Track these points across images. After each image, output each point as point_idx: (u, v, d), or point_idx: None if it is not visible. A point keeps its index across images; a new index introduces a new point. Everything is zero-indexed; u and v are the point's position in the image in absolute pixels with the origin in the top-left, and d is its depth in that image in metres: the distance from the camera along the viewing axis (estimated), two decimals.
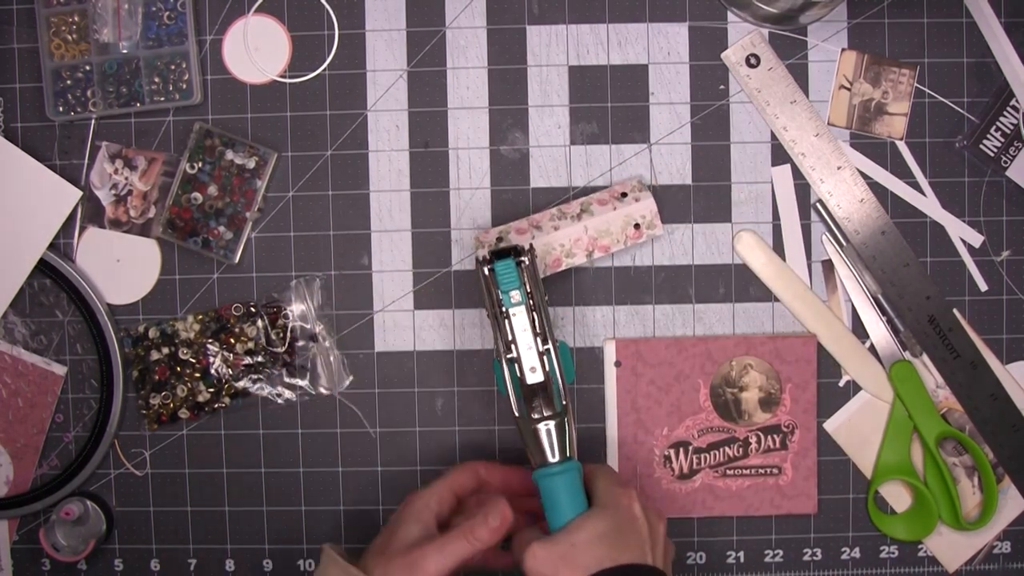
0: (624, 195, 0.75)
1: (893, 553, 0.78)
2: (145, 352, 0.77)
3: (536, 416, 0.67)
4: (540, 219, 0.74)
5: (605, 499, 0.65)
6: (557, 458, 0.67)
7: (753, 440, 0.77)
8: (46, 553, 0.76)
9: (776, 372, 0.77)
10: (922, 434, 0.77)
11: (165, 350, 0.77)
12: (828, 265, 0.78)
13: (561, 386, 0.68)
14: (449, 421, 0.78)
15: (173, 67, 0.76)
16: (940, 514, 0.77)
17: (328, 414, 0.78)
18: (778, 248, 0.78)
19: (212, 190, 0.77)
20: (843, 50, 0.77)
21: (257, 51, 0.77)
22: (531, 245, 0.71)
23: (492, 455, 0.78)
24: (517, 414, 0.68)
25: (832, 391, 0.78)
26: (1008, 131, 0.77)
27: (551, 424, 0.67)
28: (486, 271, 0.70)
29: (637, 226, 0.74)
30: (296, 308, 0.77)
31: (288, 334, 0.77)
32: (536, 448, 0.67)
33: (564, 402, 0.68)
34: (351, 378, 0.77)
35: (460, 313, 0.78)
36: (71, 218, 0.77)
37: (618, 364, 0.77)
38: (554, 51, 0.77)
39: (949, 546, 0.78)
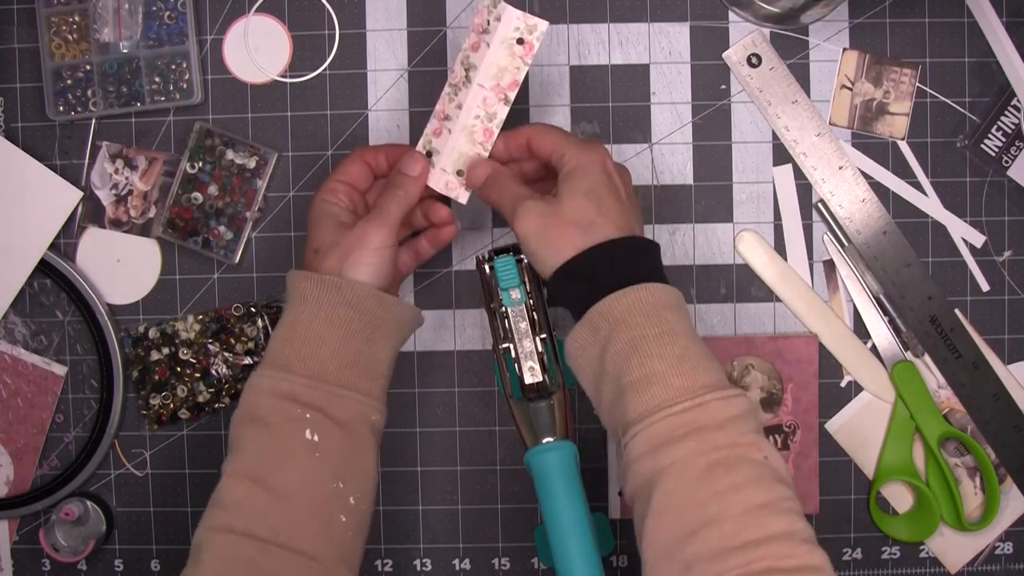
0: (487, 25, 0.66)
1: (895, 554, 0.78)
2: (145, 352, 0.77)
3: (530, 396, 0.68)
4: (442, 108, 0.68)
5: (579, 159, 0.63)
6: (551, 438, 0.67)
7: None
8: (46, 553, 0.76)
9: (777, 372, 0.77)
10: (924, 434, 0.76)
11: (165, 350, 0.77)
12: (830, 265, 0.78)
13: (558, 372, 0.69)
14: (449, 421, 0.78)
15: (174, 67, 0.76)
16: (942, 515, 0.77)
17: None
18: (780, 248, 0.78)
19: (212, 190, 0.77)
20: (845, 50, 0.77)
21: (257, 51, 0.77)
22: None
23: (492, 455, 0.78)
24: (511, 396, 0.68)
25: (834, 391, 0.78)
26: (1009, 131, 0.76)
27: (543, 404, 0.67)
28: (486, 269, 0.70)
29: (521, 41, 0.65)
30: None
31: None
32: (528, 428, 0.67)
33: (560, 383, 0.68)
34: None
35: (460, 313, 0.78)
36: (71, 218, 0.77)
37: None
38: (555, 51, 0.77)
39: (951, 547, 0.78)
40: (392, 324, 0.64)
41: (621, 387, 0.58)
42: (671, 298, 0.60)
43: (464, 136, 0.67)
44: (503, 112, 0.66)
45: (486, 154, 0.67)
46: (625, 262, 0.60)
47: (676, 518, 0.54)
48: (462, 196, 0.68)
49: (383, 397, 0.65)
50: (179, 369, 0.77)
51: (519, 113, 0.77)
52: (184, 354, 0.77)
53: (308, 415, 0.60)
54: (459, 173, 0.68)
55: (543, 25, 0.65)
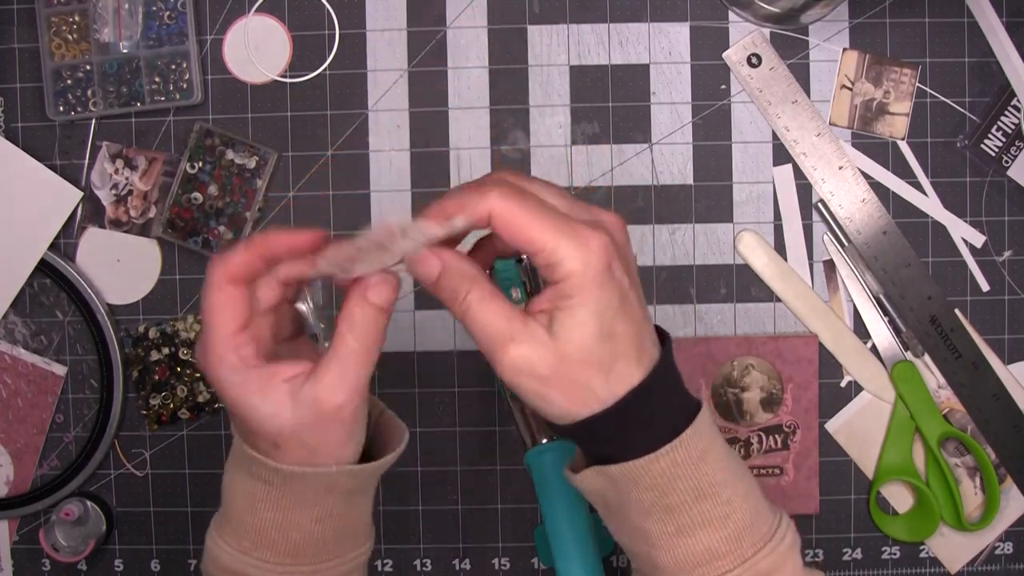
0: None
1: (895, 554, 0.78)
2: (145, 352, 0.77)
3: None
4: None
5: (578, 267, 0.45)
6: (551, 438, 0.67)
7: (755, 440, 0.77)
8: (46, 553, 0.76)
9: (778, 372, 0.77)
10: (924, 434, 0.76)
11: (165, 350, 0.77)
12: (830, 265, 0.78)
13: None
14: (449, 422, 0.78)
15: (173, 67, 0.76)
16: (942, 515, 0.77)
17: None
18: (779, 248, 0.78)
19: (212, 190, 0.77)
20: (845, 50, 0.77)
21: (257, 51, 0.77)
22: None
23: (493, 456, 0.78)
24: (511, 396, 0.68)
25: (834, 391, 0.78)
26: (1009, 131, 0.76)
27: None
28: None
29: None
30: (297, 308, 0.77)
31: None
32: (528, 428, 0.67)
33: None
34: None
35: None
36: (71, 218, 0.77)
37: None
38: (555, 51, 0.77)
39: (951, 547, 0.78)
40: (370, 482, 0.53)
41: (649, 542, 0.49)
42: (705, 441, 0.48)
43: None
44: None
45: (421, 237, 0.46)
46: (651, 413, 0.48)
47: None
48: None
49: (372, 534, 0.55)
50: (179, 369, 0.77)
51: (520, 113, 0.77)
52: (184, 354, 0.77)
53: None
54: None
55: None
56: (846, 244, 0.77)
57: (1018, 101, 0.76)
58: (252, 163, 0.77)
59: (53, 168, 0.77)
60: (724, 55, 0.77)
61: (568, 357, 0.46)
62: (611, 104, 0.77)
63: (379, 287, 0.48)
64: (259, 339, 0.49)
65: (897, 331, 0.77)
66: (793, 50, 0.77)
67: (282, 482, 0.49)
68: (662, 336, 0.50)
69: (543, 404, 0.47)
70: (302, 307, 0.72)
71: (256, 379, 0.48)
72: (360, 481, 0.52)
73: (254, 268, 0.49)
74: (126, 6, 0.75)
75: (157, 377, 0.77)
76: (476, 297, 0.47)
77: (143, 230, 0.77)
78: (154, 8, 0.76)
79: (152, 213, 0.77)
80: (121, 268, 0.78)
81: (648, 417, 0.48)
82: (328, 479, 0.50)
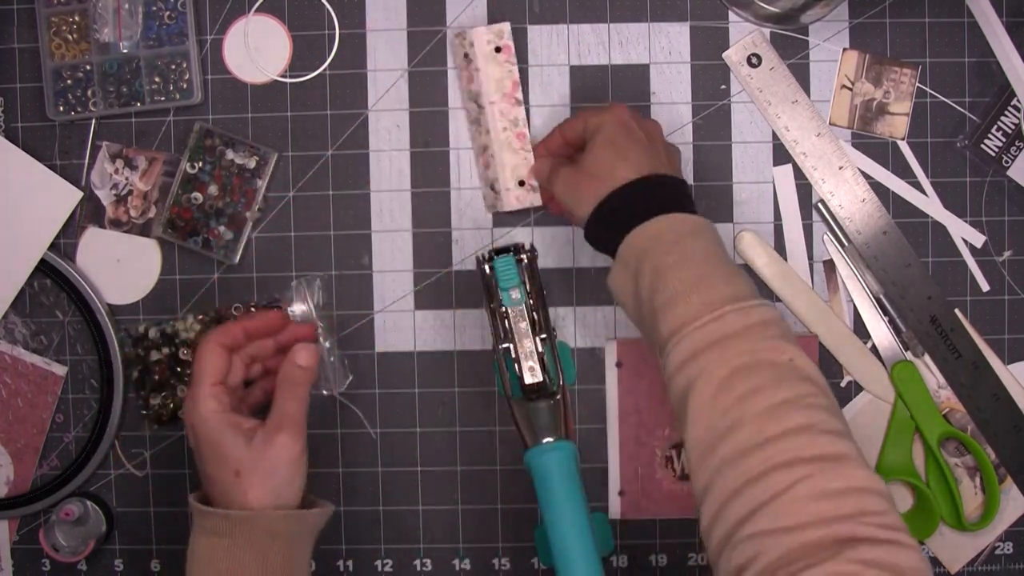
0: (465, 57, 0.75)
1: None
2: (145, 352, 0.77)
3: (530, 396, 0.68)
4: (476, 145, 0.76)
5: (598, 120, 0.68)
6: (551, 438, 0.67)
7: None
8: (46, 553, 0.76)
9: None
10: (924, 434, 0.76)
11: (165, 350, 0.77)
12: (830, 265, 0.78)
13: (558, 372, 0.69)
14: (450, 422, 0.78)
15: (173, 67, 0.76)
16: (942, 515, 0.77)
17: (328, 415, 0.78)
18: (779, 248, 0.78)
19: (212, 190, 0.77)
20: (844, 50, 0.77)
21: (257, 51, 0.77)
22: (532, 244, 0.71)
23: (492, 456, 0.78)
24: (511, 396, 0.68)
25: (834, 391, 0.77)
26: (1009, 131, 0.76)
27: (543, 404, 0.68)
28: (486, 268, 0.70)
29: (498, 48, 0.74)
30: (297, 308, 0.77)
31: None
32: (528, 428, 0.67)
33: (561, 383, 0.68)
34: (351, 378, 0.77)
35: (460, 313, 0.78)
36: (71, 218, 0.77)
37: (619, 365, 0.77)
38: (555, 51, 0.77)
39: (951, 547, 0.78)
40: (306, 533, 0.65)
41: (653, 311, 0.61)
42: (692, 225, 0.63)
43: (506, 151, 0.74)
44: (521, 112, 0.74)
45: (529, 155, 0.74)
46: (647, 198, 0.64)
47: (704, 427, 0.56)
48: (536, 201, 0.74)
49: None
50: (179, 369, 0.77)
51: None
52: (184, 354, 0.77)
53: None
54: (520, 183, 0.74)
55: (506, 26, 0.74)
56: (846, 244, 0.77)
57: (1018, 101, 0.76)
58: (252, 163, 0.77)
59: (53, 168, 0.77)
60: (724, 55, 0.77)
61: (585, 168, 0.67)
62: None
63: (302, 353, 0.66)
64: (231, 395, 0.66)
65: (897, 331, 0.77)
66: (793, 50, 0.77)
67: (231, 529, 0.62)
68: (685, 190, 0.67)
69: (574, 211, 0.67)
70: (303, 307, 0.72)
71: (226, 420, 0.64)
72: (299, 526, 0.64)
73: (237, 339, 0.67)
74: (126, 6, 0.75)
75: (157, 377, 0.77)
76: (558, 164, 0.71)
77: (143, 230, 0.77)
78: (154, 8, 0.76)
79: (152, 213, 0.77)
80: (121, 268, 0.78)
81: (641, 205, 0.63)
82: (270, 522, 0.62)
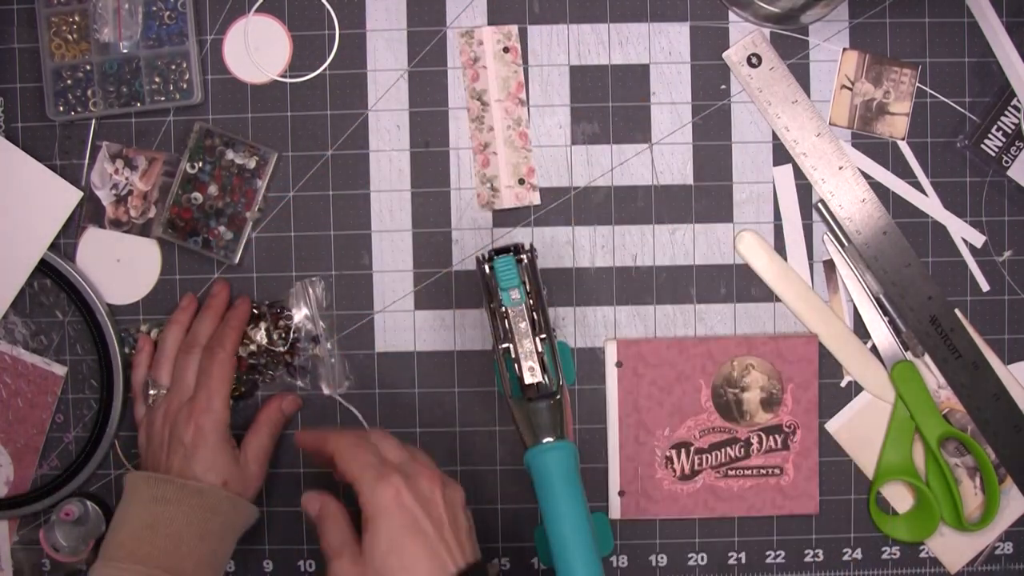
0: (473, 54, 0.75)
1: (895, 554, 0.78)
2: None
3: (530, 396, 0.68)
4: (478, 142, 0.76)
5: (372, 504, 0.60)
6: (551, 438, 0.67)
7: (755, 440, 0.77)
8: (46, 553, 0.76)
9: (778, 372, 0.77)
10: (924, 435, 0.76)
11: None
12: (830, 265, 0.78)
13: (558, 372, 0.69)
14: (449, 422, 0.78)
15: (173, 67, 0.76)
16: (942, 515, 0.77)
17: (328, 415, 0.78)
18: (780, 248, 0.78)
19: (212, 190, 0.77)
20: (845, 50, 0.77)
21: (257, 51, 0.77)
22: (531, 244, 0.71)
23: (492, 456, 0.78)
24: (511, 396, 0.68)
25: (834, 391, 0.78)
26: (1009, 131, 0.76)
27: (543, 404, 0.68)
28: (486, 268, 0.70)
29: (506, 49, 0.76)
30: (299, 310, 0.77)
31: (290, 335, 0.77)
32: (528, 428, 0.67)
33: (560, 383, 0.68)
34: (351, 379, 0.77)
35: (460, 313, 0.78)
36: (71, 218, 0.77)
37: (619, 365, 0.77)
38: (555, 51, 0.77)
39: (951, 547, 0.78)
40: (240, 523, 0.71)
41: None
42: None
43: (507, 148, 0.75)
44: (524, 112, 0.75)
45: (530, 155, 0.76)
46: None
47: None
48: (535, 200, 0.76)
49: None
50: None
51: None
52: None
53: None
54: (520, 182, 0.75)
55: (515, 28, 0.75)
56: (846, 244, 0.77)
57: (1018, 101, 0.76)
58: (252, 163, 0.77)
59: (53, 168, 0.77)
60: (724, 55, 0.77)
61: (368, 569, 0.59)
62: (611, 104, 0.77)
63: (290, 402, 0.76)
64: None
65: (897, 331, 0.77)
66: (793, 50, 0.77)
67: (181, 497, 0.67)
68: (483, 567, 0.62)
69: None
70: (304, 309, 0.72)
71: (227, 432, 0.72)
72: (237, 512, 0.69)
73: (236, 344, 0.74)
74: (126, 6, 0.75)
75: None
76: (330, 515, 0.63)
77: (143, 230, 0.77)
78: (154, 8, 0.76)
79: (152, 213, 0.77)
80: (121, 268, 0.78)
81: None
82: (218, 500, 0.68)
